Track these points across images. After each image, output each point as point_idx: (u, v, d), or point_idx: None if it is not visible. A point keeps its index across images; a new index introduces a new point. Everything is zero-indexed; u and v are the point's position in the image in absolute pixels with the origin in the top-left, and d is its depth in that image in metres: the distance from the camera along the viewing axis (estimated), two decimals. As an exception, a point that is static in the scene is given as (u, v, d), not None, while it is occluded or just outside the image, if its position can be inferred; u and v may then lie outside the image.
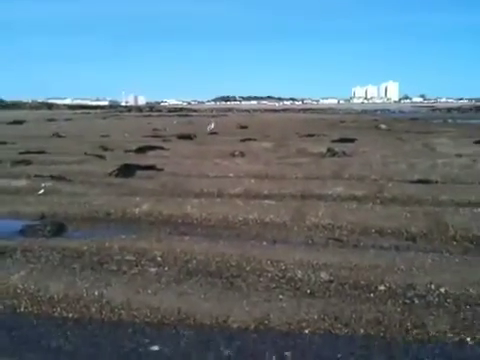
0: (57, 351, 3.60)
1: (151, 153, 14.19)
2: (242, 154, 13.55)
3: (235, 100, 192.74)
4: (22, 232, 6.41)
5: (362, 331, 3.78)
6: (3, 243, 5.66)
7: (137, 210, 7.45)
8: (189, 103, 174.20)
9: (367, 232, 6.40)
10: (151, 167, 11.03)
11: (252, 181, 9.34)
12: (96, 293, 4.26)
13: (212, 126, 22.47)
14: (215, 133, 21.37)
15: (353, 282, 4.52)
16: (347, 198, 8.04)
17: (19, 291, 4.37)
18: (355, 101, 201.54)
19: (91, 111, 67.23)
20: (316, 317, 3.92)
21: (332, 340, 3.71)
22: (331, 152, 13.47)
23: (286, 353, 3.52)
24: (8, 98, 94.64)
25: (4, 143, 17.54)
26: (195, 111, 65.09)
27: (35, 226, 6.55)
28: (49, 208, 7.59)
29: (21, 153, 14.01)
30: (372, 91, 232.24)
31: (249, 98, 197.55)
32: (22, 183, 9.36)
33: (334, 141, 16.55)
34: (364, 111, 65.33)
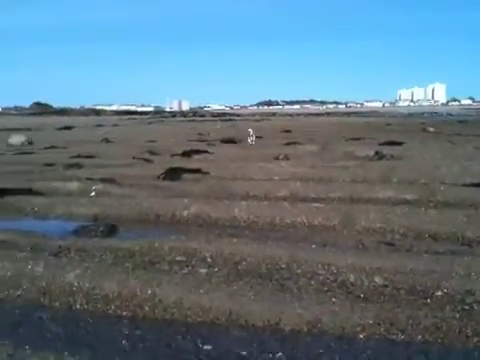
0: (112, 348, 3.67)
1: (196, 157, 14.34)
2: (287, 157, 13.46)
3: (278, 104, 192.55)
4: (76, 232, 6.60)
5: (420, 337, 3.66)
6: (58, 243, 5.83)
7: (185, 212, 7.53)
8: (232, 108, 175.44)
9: (420, 237, 6.21)
10: (197, 170, 11.14)
11: (298, 184, 9.26)
12: (149, 292, 4.32)
13: (253, 136, 18.31)
14: (259, 137, 21.36)
15: (409, 287, 4.39)
16: (398, 202, 7.84)
17: (74, 289, 4.48)
18: (401, 104, 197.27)
19: (137, 117, 68.80)
20: (371, 322, 3.82)
21: (388, 345, 3.61)
22: (379, 155, 13.19)
23: (341, 357, 3.45)
24: (56, 104, 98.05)
25: (55, 147, 18.22)
26: (238, 115, 65.40)
27: (88, 227, 6.74)
28: (101, 210, 7.78)
29: (72, 157, 14.49)
30: (418, 93, 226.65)
31: (292, 102, 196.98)
32: (74, 186, 9.63)
33: (381, 144, 16.21)
34: (410, 114, 63.83)
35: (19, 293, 4.56)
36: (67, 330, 3.96)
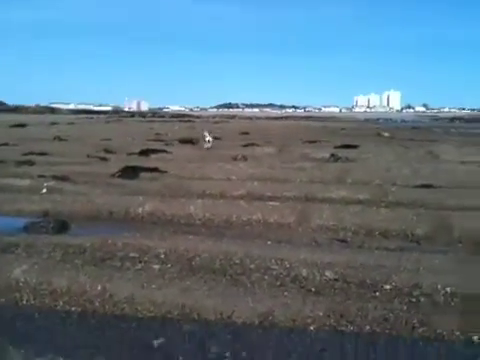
0: (59, 343, 3.56)
1: (154, 156, 14.18)
2: (245, 158, 13.52)
3: (237, 107, 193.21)
4: (25, 229, 6.39)
5: (368, 328, 3.74)
6: (6, 239, 5.63)
7: (140, 209, 7.43)
8: (192, 109, 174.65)
9: (372, 234, 6.37)
10: (154, 169, 11.01)
11: (255, 183, 9.32)
12: (99, 287, 4.23)
13: (209, 141, 16.64)
14: (218, 138, 21.30)
15: (359, 281, 4.48)
16: (351, 201, 8.01)
17: (21, 284, 4.34)
18: (357, 110, 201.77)
19: (94, 116, 67.37)
20: (321, 314, 3.88)
21: (337, 337, 3.67)
22: (334, 157, 13.45)
23: (291, 348, 3.49)
24: (11, 102, 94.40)
25: (6, 144, 17.58)
26: (198, 117, 65.16)
27: (38, 223, 6.54)
28: (52, 206, 7.57)
29: (24, 154, 14.03)
30: (374, 100, 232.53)
31: (251, 105, 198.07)
32: (25, 182, 9.35)
33: (337, 147, 16.52)
34: (366, 120, 65.37)
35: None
36: (13, 325, 3.82)
